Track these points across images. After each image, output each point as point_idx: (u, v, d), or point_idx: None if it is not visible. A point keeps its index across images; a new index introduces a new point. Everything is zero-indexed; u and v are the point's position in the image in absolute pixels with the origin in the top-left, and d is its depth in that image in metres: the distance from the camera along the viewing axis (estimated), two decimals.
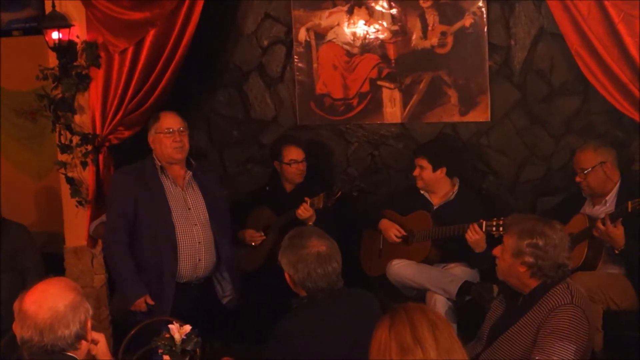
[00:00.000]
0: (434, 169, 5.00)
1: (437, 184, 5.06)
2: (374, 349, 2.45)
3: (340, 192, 4.99)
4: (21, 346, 2.62)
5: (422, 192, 5.12)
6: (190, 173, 4.58)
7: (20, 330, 2.59)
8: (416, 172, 5.05)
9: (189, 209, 4.51)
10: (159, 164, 4.52)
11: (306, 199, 4.99)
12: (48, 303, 2.58)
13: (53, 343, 2.56)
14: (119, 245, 4.46)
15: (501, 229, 4.48)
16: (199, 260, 4.51)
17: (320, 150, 5.72)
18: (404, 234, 5.07)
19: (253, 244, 5.31)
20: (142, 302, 4.41)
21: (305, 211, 4.99)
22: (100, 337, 2.75)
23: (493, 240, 4.49)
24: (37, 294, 2.61)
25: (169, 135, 4.48)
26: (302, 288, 3.24)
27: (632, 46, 4.39)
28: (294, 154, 5.30)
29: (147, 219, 4.45)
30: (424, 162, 5.01)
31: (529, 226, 3.32)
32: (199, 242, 4.50)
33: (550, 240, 3.27)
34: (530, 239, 3.27)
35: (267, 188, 5.50)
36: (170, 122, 4.53)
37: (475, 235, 4.66)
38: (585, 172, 4.66)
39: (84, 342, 2.63)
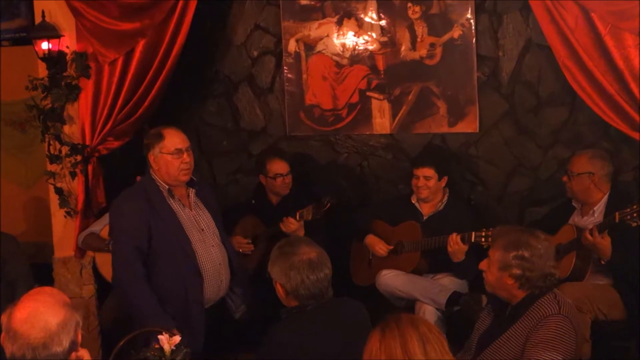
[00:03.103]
0: (439, 178, 5.01)
1: (436, 193, 5.07)
2: (365, 358, 2.46)
3: (329, 204, 4.99)
4: None
5: (413, 201, 5.13)
6: (194, 190, 4.26)
7: (11, 348, 2.57)
8: (421, 183, 5.00)
9: (202, 230, 4.19)
10: (167, 187, 4.15)
11: (297, 212, 4.98)
12: (40, 323, 2.55)
13: (46, 359, 2.56)
14: (137, 280, 4.01)
15: (490, 239, 4.49)
16: (221, 281, 4.23)
17: (310, 161, 5.73)
18: (390, 248, 5.08)
19: (241, 250, 5.30)
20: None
21: (289, 225, 4.97)
22: (84, 353, 2.74)
23: (482, 251, 4.50)
24: (28, 313, 2.56)
25: (177, 156, 4.10)
26: (294, 297, 3.24)
27: (619, 58, 4.43)
28: (278, 167, 5.28)
29: (165, 247, 4.07)
30: (430, 172, 4.99)
31: (514, 238, 3.32)
32: (220, 264, 4.21)
33: (536, 251, 3.28)
34: (516, 251, 3.28)
35: (253, 201, 5.48)
36: (178, 141, 4.13)
37: (454, 246, 4.68)
38: (572, 175, 4.68)
39: (73, 354, 2.63)
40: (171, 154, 4.10)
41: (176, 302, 4.07)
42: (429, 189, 5.01)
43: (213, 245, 4.20)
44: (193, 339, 3.98)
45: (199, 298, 4.11)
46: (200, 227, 4.20)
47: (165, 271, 4.07)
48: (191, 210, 4.21)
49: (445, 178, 5.05)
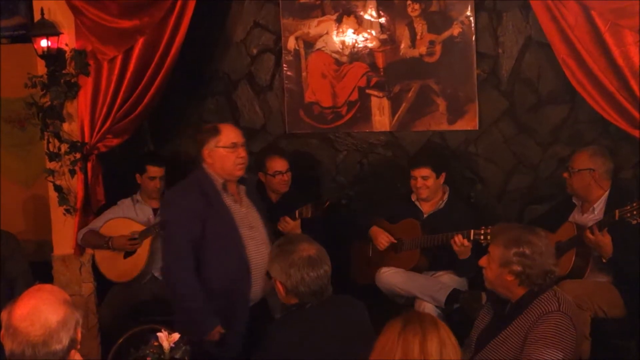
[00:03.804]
0: (437, 176, 5.01)
1: (436, 192, 5.07)
2: (378, 347, 2.46)
3: (328, 202, 4.98)
4: (9, 359, 2.59)
5: (413, 200, 5.13)
6: (244, 188, 4.27)
7: (10, 345, 2.57)
8: (419, 183, 4.99)
9: (252, 227, 4.19)
10: (222, 181, 4.14)
11: (297, 210, 4.97)
12: (40, 320, 2.54)
13: (45, 358, 2.55)
14: (188, 274, 4.01)
15: (489, 237, 4.49)
16: (267, 279, 4.07)
17: (309, 159, 5.73)
18: (394, 241, 5.07)
19: None
20: (217, 333, 4.04)
21: (285, 225, 4.95)
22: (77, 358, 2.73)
23: (481, 249, 4.50)
24: (28, 310, 2.56)
25: (233, 150, 4.11)
26: (294, 294, 3.23)
27: (619, 55, 4.44)
28: (277, 165, 5.27)
29: (217, 242, 4.06)
30: (426, 172, 4.98)
31: (515, 235, 3.32)
32: (267, 262, 4.07)
33: (537, 248, 3.28)
34: (517, 247, 3.28)
35: None
36: (234, 135, 4.15)
37: (460, 247, 4.68)
38: (573, 171, 4.69)
39: (72, 351, 2.63)
40: (227, 148, 4.11)
41: (222, 298, 4.05)
42: (428, 189, 5.01)
43: (262, 243, 4.17)
44: (234, 337, 4.02)
45: (245, 295, 4.09)
46: (250, 224, 4.18)
47: (214, 266, 4.06)
48: (242, 206, 4.20)
49: (444, 174, 5.05)
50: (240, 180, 4.24)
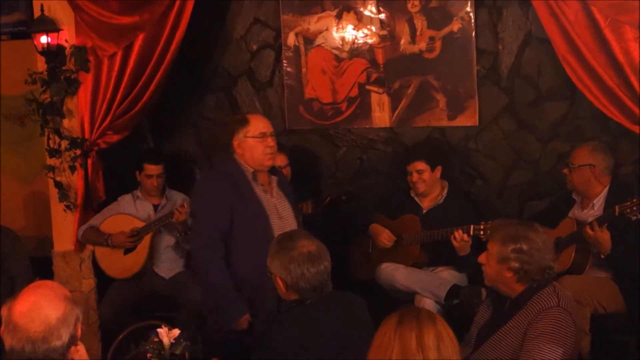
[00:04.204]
0: (433, 169, 5.02)
1: (434, 185, 5.08)
2: (376, 344, 2.47)
3: (329, 199, 4.98)
4: (9, 356, 2.60)
5: (412, 195, 5.13)
6: (276, 178, 4.30)
7: (10, 341, 2.57)
8: (415, 178, 5.02)
9: (282, 217, 4.22)
10: (252, 170, 4.18)
11: (297, 206, 4.97)
12: (40, 317, 2.54)
13: (45, 354, 2.56)
14: (219, 262, 4.05)
15: (488, 232, 4.50)
16: None
17: (309, 155, 5.73)
18: (395, 238, 5.07)
19: None
20: (246, 321, 4.05)
21: None
22: (80, 348, 2.73)
23: (481, 245, 4.51)
24: (28, 306, 2.56)
25: (262, 140, 4.14)
26: (294, 290, 3.23)
27: (619, 51, 4.44)
28: (277, 160, 5.23)
29: (246, 232, 4.09)
30: (422, 165, 5.00)
31: (512, 231, 3.32)
32: None
33: (534, 244, 3.28)
34: (515, 244, 3.28)
35: None
36: (262, 125, 4.19)
37: (460, 242, 4.68)
38: (573, 167, 4.69)
39: (72, 348, 2.63)
40: (255, 138, 4.13)
41: (251, 287, 4.05)
42: (424, 182, 5.02)
43: None
44: (262, 326, 3.90)
45: (273, 285, 4.09)
46: (279, 215, 4.21)
47: (243, 256, 4.07)
48: (272, 196, 4.23)
49: (439, 168, 5.05)
50: (272, 171, 4.28)
